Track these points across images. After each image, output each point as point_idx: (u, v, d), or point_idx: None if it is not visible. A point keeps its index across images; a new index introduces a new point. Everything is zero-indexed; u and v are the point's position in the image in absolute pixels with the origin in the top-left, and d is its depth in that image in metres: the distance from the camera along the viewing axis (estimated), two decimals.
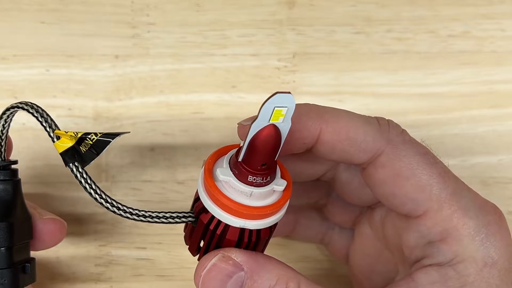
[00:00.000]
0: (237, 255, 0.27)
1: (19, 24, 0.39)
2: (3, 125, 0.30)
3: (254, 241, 0.28)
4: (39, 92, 0.39)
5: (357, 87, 0.39)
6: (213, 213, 0.27)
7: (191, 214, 0.29)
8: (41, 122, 0.29)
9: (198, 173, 0.29)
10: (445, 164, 0.29)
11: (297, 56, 0.40)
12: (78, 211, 0.38)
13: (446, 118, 0.39)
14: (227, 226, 0.27)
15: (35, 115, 0.29)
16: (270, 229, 0.28)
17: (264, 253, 0.29)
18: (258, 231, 0.28)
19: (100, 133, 0.28)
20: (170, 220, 0.29)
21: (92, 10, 0.39)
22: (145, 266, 0.39)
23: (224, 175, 0.27)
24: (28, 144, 0.38)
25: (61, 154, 0.28)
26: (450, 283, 0.27)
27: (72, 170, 0.28)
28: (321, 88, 0.39)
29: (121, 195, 0.38)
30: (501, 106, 0.39)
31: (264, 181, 0.27)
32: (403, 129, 0.29)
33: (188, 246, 0.30)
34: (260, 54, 0.39)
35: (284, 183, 0.27)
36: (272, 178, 0.27)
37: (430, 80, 0.40)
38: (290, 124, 0.26)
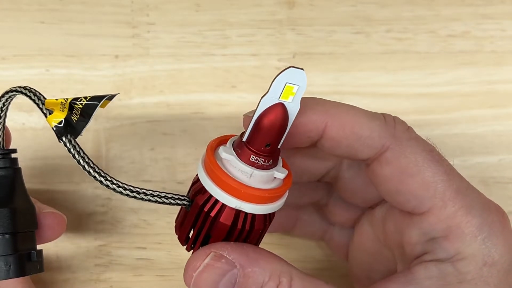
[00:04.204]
0: (229, 253, 0.27)
1: (19, 24, 0.39)
2: (0, 108, 0.30)
3: (248, 230, 0.27)
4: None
5: (357, 87, 0.39)
6: (209, 190, 0.27)
7: (186, 198, 0.28)
8: (37, 105, 0.28)
9: None
10: (449, 163, 0.29)
11: (297, 56, 0.40)
12: (78, 211, 0.38)
13: (446, 118, 0.39)
14: (222, 207, 0.27)
15: (33, 98, 0.28)
16: (265, 221, 0.28)
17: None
18: (253, 219, 0.27)
19: (88, 97, 0.28)
20: (164, 200, 0.28)
21: (92, 10, 0.39)
22: (145, 266, 0.39)
23: (226, 153, 0.27)
24: (28, 144, 0.38)
25: (53, 128, 0.27)
26: (448, 279, 0.27)
27: (65, 144, 0.27)
28: (321, 88, 0.39)
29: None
30: (501, 106, 0.40)
31: (265, 163, 0.27)
32: (409, 126, 0.29)
33: (177, 236, 0.29)
34: (260, 54, 0.39)
35: (285, 171, 0.27)
36: (274, 165, 0.27)
37: (430, 80, 0.40)
38: (299, 106, 0.26)
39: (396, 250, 0.31)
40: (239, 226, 0.27)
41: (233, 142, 0.27)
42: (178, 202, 0.28)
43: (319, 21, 0.40)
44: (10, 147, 0.32)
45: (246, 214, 0.27)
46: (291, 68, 0.25)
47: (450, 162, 0.29)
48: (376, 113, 0.29)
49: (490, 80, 0.40)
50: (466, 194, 0.28)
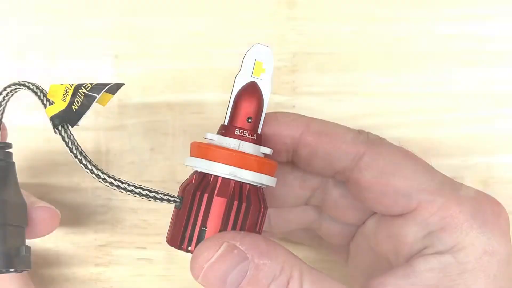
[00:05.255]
0: (241, 243, 0.26)
1: (19, 24, 0.39)
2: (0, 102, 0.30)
3: (245, 208, 0.27)
4: None
5: (357, 87, 0.39)
6: (199, 168, 0.27)
7: (176, 197, 0.28)
8: (39, 97, 0.28)
9: None
10: (444, 164, 0.29)
11: (297, 56, 0.39)
12: (78, 211, 0.38)
13: (446, 118, 0.39)
14: (216, 183, 0.27)
15: (35, 90, 0.28)
16: (259, 201, 0.28)
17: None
18: (249, 192, 0.27)
19: (94, 83, 0.28)
20: (155, 195, 0.28)
21: (92, 10, 0.39)
22: (145, 266, 0.39)
23: (211, 134, 0.28)
24: (28, 144, 0.38)
25: (50, 118, 0.27)
26: (449, 270, 0.27)
27: (60, 133, 0.27)
28: (321, 88, 0.39)
29: (121, 195, 0.38)
30: (501, 106, 0.39)
31: (251, 136, 0.28)
32: (381, 137, 0.30)
33: (171, 244, 0.28)
34: None
35: (270, 149, 0.28)
36: (259, 141, 0.28)
37: (430, 80, 0.40)
38: (271, 87, 0.28)
39: (391, 256, 0.30)
40: (236, 199, 0.27)
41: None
42: (169, 198, 0.28)
43: (319, 21, 0.40)
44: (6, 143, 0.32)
45: (241, 185, 0.27)
46: (257, 44, 0.28)
47: (444, 164, 0.29)
48: (350, 127, 0.30)
49: (490, 80, 0.40)
50: (452, 186, 0.29)
